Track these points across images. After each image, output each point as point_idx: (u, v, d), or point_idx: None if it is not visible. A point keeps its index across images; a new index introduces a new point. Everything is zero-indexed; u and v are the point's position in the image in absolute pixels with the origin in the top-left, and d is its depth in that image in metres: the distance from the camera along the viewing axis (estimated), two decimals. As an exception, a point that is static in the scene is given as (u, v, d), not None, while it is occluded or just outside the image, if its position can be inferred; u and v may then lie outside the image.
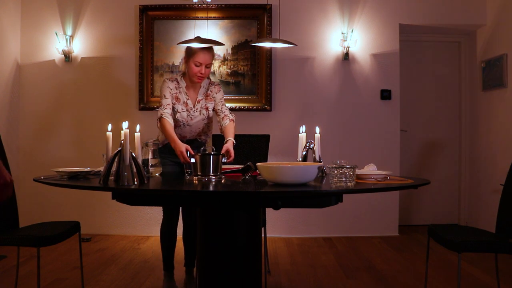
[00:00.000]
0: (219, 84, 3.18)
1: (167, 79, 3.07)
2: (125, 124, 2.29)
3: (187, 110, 3.02)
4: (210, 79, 3.21)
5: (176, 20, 4.74)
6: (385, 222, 4.83)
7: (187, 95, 3.04)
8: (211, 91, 3.10)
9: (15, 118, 4.77)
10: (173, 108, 3.00)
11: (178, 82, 3.05)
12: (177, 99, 3.01)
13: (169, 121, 2.88)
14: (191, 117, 3.03)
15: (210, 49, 3.00)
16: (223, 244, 2.27)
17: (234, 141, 2.92)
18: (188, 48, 3.00)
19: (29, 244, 2.43)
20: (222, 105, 3.09)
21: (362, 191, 2.28)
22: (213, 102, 3.09)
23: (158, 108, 2.98)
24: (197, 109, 3.04)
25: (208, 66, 2.99)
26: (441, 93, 5.30)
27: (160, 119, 2.89)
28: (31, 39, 4.84)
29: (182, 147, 2.72)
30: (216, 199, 2.27)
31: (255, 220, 2.33)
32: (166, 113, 2.91)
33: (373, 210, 4.81)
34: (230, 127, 3.00)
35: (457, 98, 5.29)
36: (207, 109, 3.07)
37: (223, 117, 3.04)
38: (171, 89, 3.00)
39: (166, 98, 2.96)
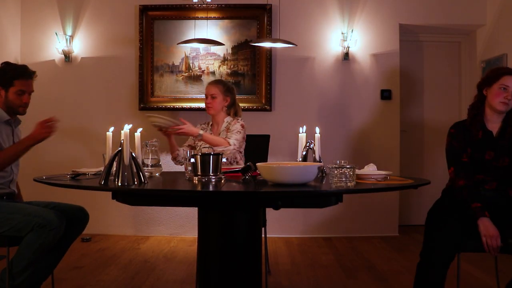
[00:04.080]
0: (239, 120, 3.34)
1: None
2: (126, 126, 2.30)
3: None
4: (236, 117, 3.39)
5: (176, 20, 4.74)
6: (385, 222, 4.83)
7: (211, 131, 3.37)
8: (231, 124, 3.31)
9: (15, 118, 4.75)
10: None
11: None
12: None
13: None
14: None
15: (215, 82, 3.40)
16: (223, 244, 2.27)
17: (201, 134, 3.10)
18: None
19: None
20: (232, 132, 3.25)
21: (362, 191, 2.28)
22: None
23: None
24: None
25: (214, 96, 3.30)
26: (441, 93, 5.30)
27: None
28: (31, 39, 4.83)
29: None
30: (216, 199, 2.27)
31: (255, 220, 2.33)
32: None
33: (373, 210, 4.81)
34: (217, 137, 3.21)
35: (457, 98, 5.29)
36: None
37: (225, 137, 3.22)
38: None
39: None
